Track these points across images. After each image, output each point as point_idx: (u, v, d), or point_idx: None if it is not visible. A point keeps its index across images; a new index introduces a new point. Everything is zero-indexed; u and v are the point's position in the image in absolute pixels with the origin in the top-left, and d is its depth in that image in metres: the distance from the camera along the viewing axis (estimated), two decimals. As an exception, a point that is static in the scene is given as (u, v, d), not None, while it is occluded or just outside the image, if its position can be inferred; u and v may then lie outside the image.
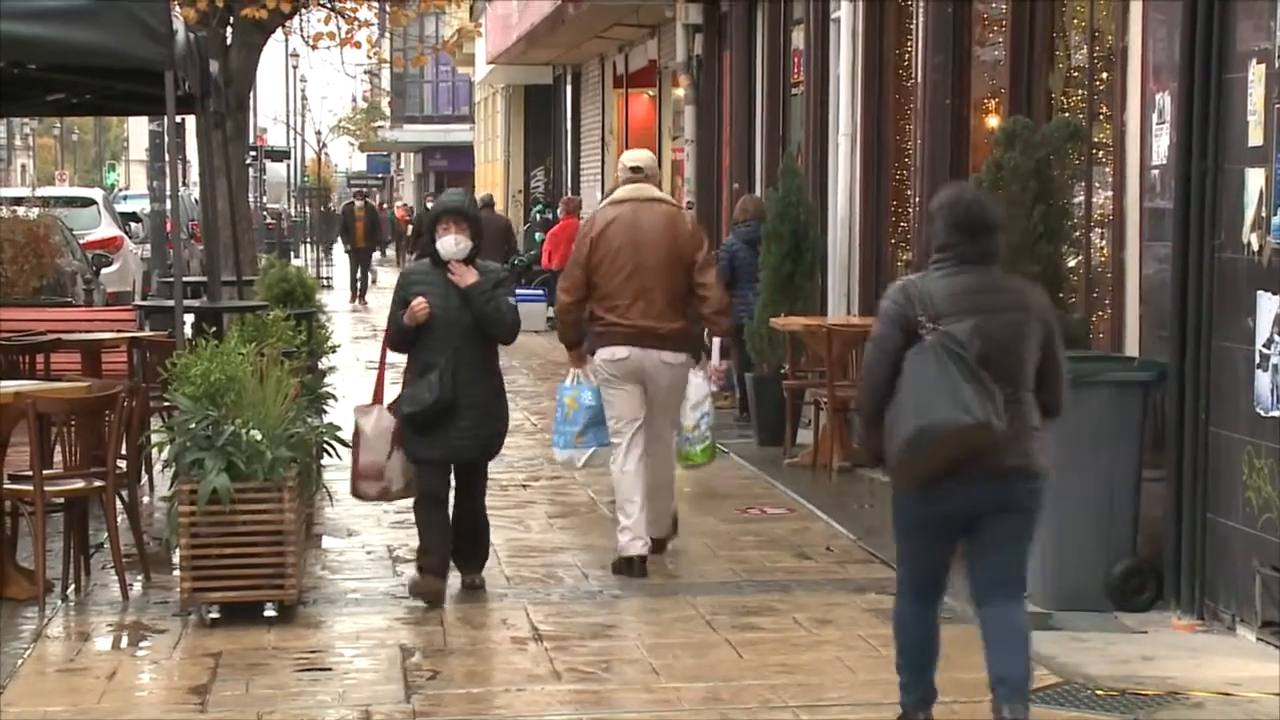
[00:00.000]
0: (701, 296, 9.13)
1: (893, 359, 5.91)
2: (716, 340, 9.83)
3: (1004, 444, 5.87)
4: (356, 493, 8.83)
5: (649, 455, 9.18)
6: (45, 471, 8.45)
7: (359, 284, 34.49)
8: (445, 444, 8.49)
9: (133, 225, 27.75)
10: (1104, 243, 9.61)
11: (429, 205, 37.30)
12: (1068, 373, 6.14)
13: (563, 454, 9.54)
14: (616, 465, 9.18)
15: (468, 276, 8.47)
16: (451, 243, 8.50)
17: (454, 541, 8.69)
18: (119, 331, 13.38)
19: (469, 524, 8.78)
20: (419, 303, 8.42)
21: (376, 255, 39.78)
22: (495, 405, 8.63)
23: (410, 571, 9.24)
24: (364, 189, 49.55)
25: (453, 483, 8.74)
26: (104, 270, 22.83)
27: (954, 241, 6.04)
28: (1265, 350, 7.48)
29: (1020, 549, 6.13)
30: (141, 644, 7.93)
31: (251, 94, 19.47)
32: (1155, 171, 8.52)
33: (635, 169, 9.34)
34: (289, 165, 61.07)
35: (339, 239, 41.49)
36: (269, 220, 49.95)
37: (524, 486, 11.87)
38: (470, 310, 8.45)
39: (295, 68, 59.92)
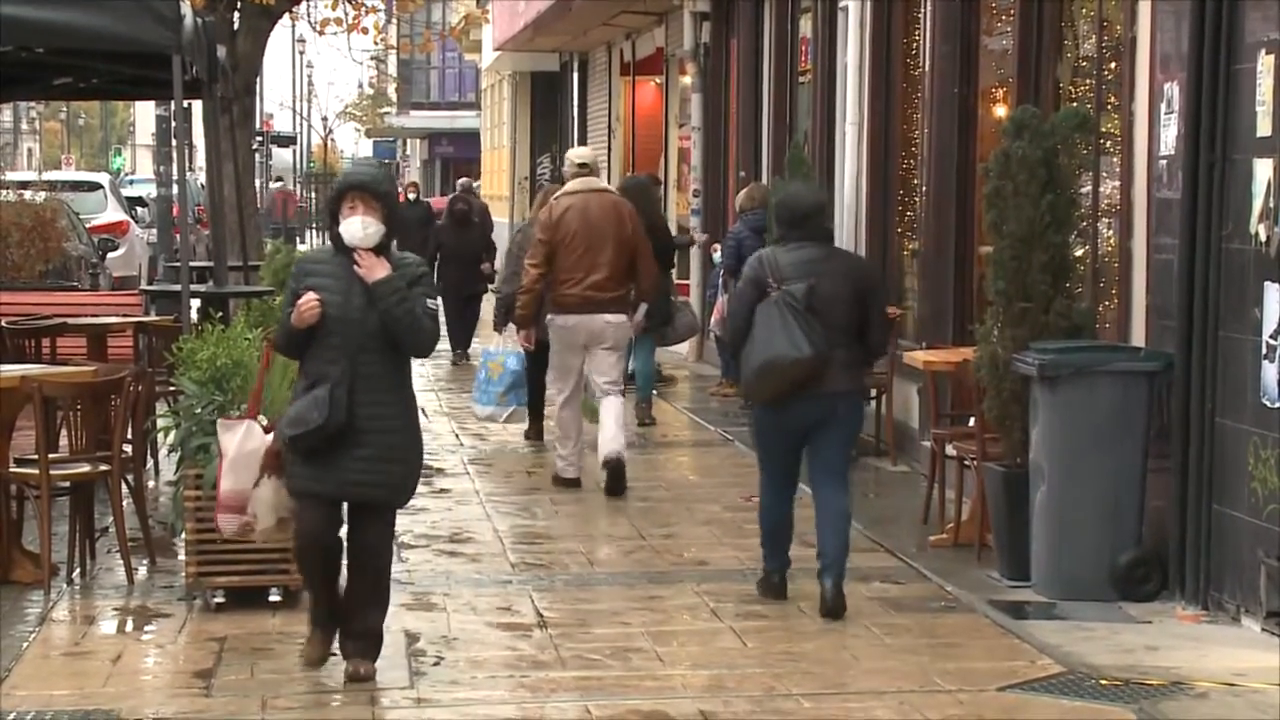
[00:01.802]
0: (639, 273, 11.22)
1: (749, 309, 7.96)
2: (643, 305, 11.48)
3: (829, 373, 7.87)
4: (216, 525, 7.22)
5: (604, 396, 11.10)
6: (51, 455, 8.47)
7: None
8: (336, 478, 6.72)
9: (139, 210, 27.75)
10: (1111, 233, 9.60)
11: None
12: (887, 321, 8.61)
13: (484, 410, 11.79)
14: (556, 409, 11.25)
15: (377, 270, 6.71)
16: (358, 225, 6.71)
17: (339, 604, 6.96)
18: (125, 316, 13.38)
19: (357, 584, 6.92)
20: (309, 300, 6.66)
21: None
22: (404, 435, 6.81)
23: (414, 556, 9.27)
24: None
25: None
26: (110, 255, 22.83)
27: (787, 228, 8.14)
28: (1272, 341, 7.47)
29: (844, 449, 8.26)
30: (146, 628, 7.93)
31: (258, 79, 19.45)
32: (1163, 162, 8.50)
33: (583, 165, 11.41)
34: (295, 151, 61.08)
35: None
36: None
37: (529, 473, 11.87)
38: (377, 312, 6.71)
39: (302, 53, 59.92)
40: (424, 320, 6.76)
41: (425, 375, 17.72)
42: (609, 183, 15.56)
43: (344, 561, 6.94)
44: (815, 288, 7.84)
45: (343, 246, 6.77)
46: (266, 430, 6.96)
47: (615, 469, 10.87)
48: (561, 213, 11.05)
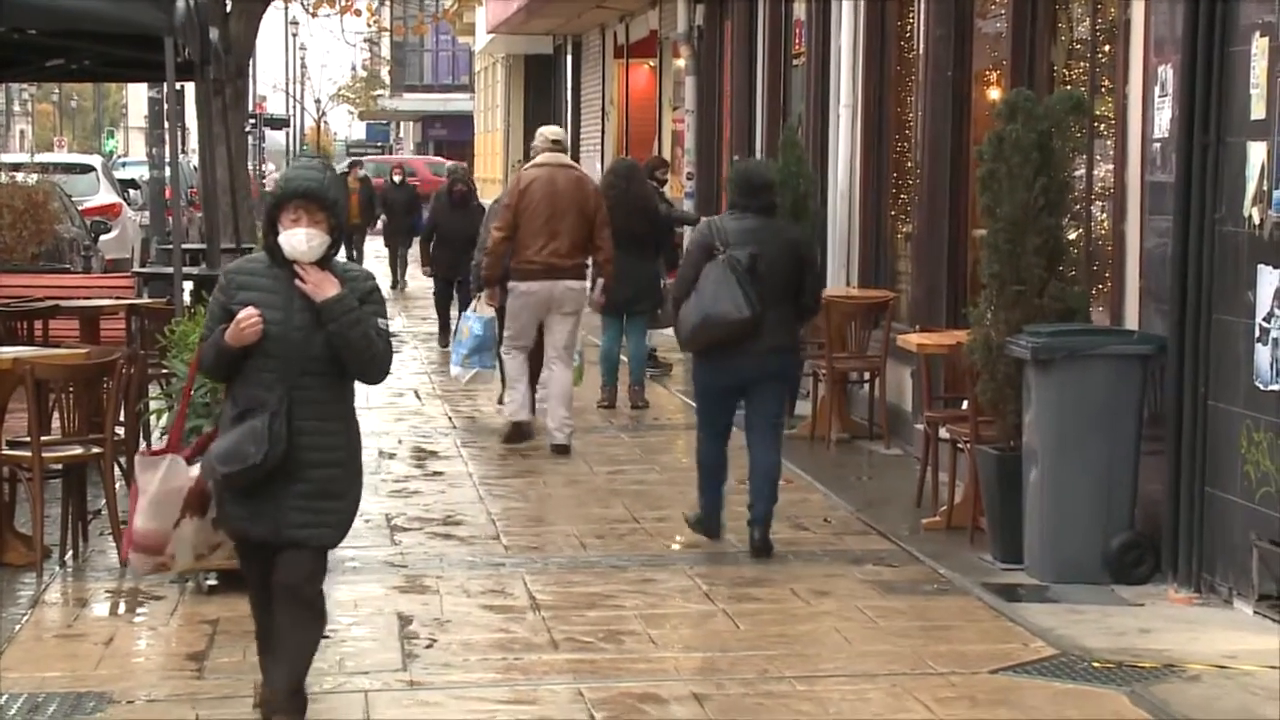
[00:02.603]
0: (596, 246, 11.85)
1: (697, 269, 8.75)
2: (600, 280, 12.19)
3: (766, 331, 8.67)
4: (124, 561, 6.68)
5: (553, 367, 11.75)
6: (43, 438, 8.45)
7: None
8: (272, 517, 5.97)
9: (131, 192, 27.71)
10: (1105, 216, 9.60)
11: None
12: (820, 284, 9.72)
13: (453, 370, 12.64)
14: (508, 358, 11.97)
15: (325, 286, 5.91)
16: (302, 239, 5.90)
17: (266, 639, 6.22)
18: (117, 298, 13.37)
19: (285, 627, 6.08)
20: (249, 315, 5.87)
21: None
22: (347, 468, 6.07)
23: (407, 539, 9.27)
24: (359, 158, 46.58)
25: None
26: (103, 237, 22.81)
27: (740, 198, 8.94)
28: (1265, 324, 7.48)
29: (778, 402, 9.13)
30: (139, 610, 7.93)
31: (251, 61, 19.44)
32: (1157, 145, 8.50)
33: (555, 141, 12.13)
34: (288, 133, 61.01)
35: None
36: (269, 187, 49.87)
37: (522, 456, 11.87)
38: (323, 333, 5.93)
39: (295, 35, 59.84)
40: (379, 343, 6.01)
41: (418, 358, 17.71)
42: (600, 164, 15.98)
43: None
44: (758, 254, 8.68)
45: (281, 257, 5.96)
46: (189, 460, 6.17)
47: (563, 452, 11.65)
48: (528, 183, 11.75)
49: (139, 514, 6.19)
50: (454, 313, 17.77)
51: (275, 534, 6.00)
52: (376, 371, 6.08)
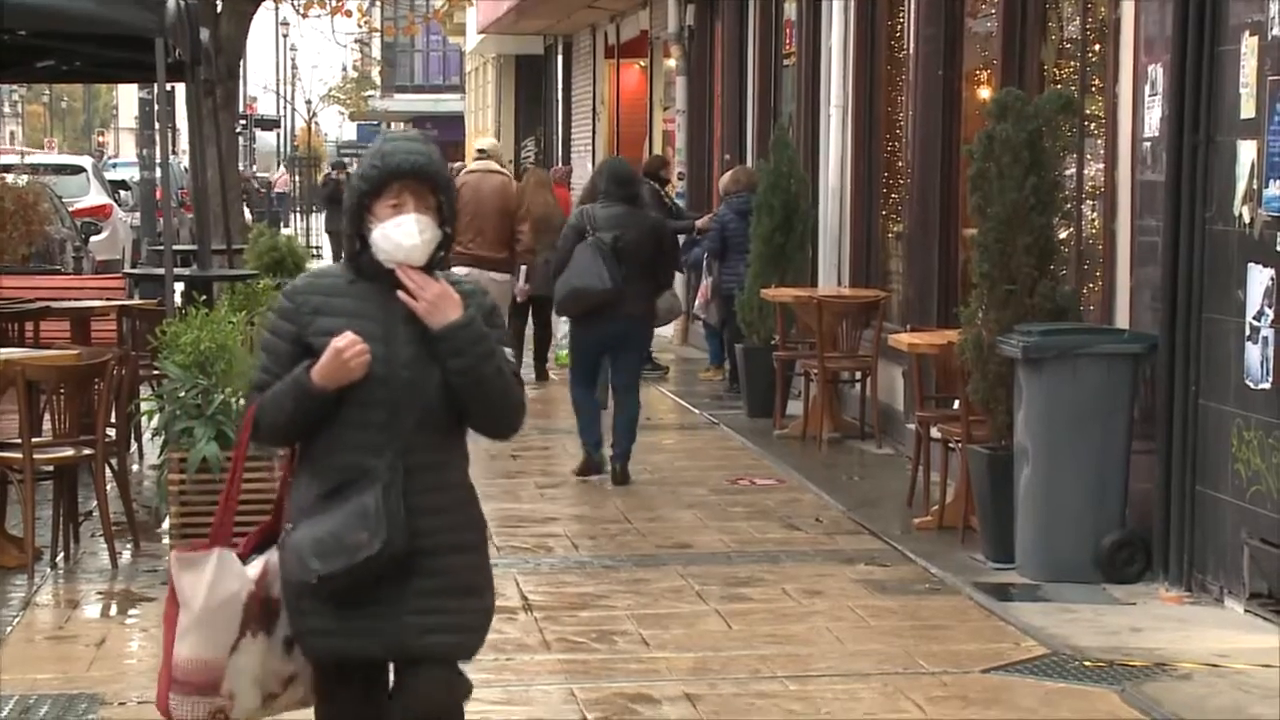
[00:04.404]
0: (516, 238, 14.56)
1: (570, 248, 10.56)
2: (524, 268, 14.69)
3: (626, 301, 10.47)
4: (165, 710, 4.64)
5: None
6: (34, 439, 8.44)
7: None
8: (388, 629, 4.39)
9: (122, 193, 27.69)
10: (1095, 214, 9.61)
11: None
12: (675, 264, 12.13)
13: None
14: None
15: (445, 305, 4.34)
16: (414, 228, 4.34)
17: None
18: (108, 299, 13.35)
19: None
20: (352, 341, 4.28)
21: None
22: (479, 552, 4.54)
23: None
24: (343, 159, 45.27)
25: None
26: (93, 238, 22.78)
27: (609, 188, 10.81)
28: (1255, 323, 7.48)
29: (638, 361, 11.26)
30: (130, 612, 7.93)
31: (242, 62, 19.39)
32: (1147, 144, 8.51)
33: (481, 151, 14.97)
34: (279, 134, 60.96)
35: (326, 219, 34.74)
36: (259, 188, 49.73)
37: (513, 456, 11.87)
38: (445, 371, 4.37)
39: (285, 36, 59.80)
40: (515, 386, 4.46)
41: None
42: (591, 165, 17.56)
43: None
44: (620, 237, 10.51)
45: (370, 268, 4.38)
46: (244, 556, 4.48)
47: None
48: (459, 186, 13.33)
49: (181, 638, 4.46)
50: None
51: (392, 649, 4.40)
52: (512, 421, 4.49)
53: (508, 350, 4.49)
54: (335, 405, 4.32)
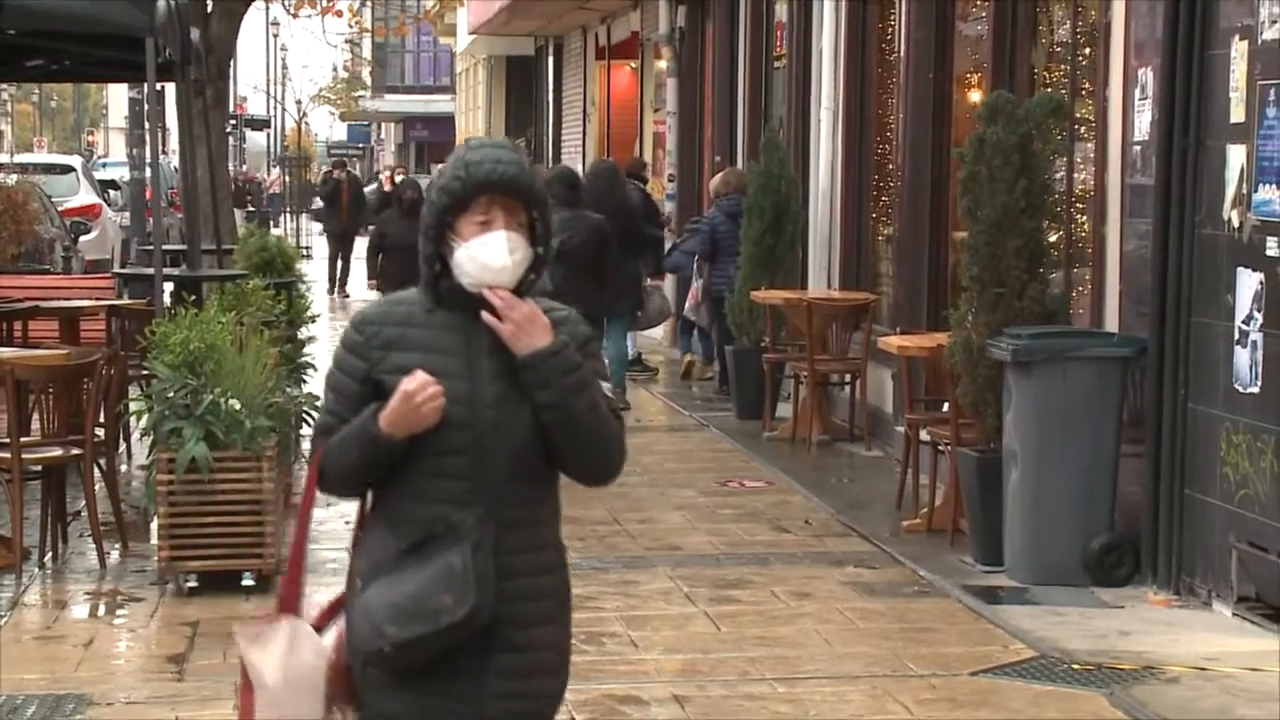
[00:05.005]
0: None
1: None
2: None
3: (567, 300, 10.97)
4: None
5: None
6: (23, 439, 8.43)
7: (342, 273, 27.96)
8: (463, 711, 3.80)
9: (112, 193, 27.66)
10: (1085, 218, 9.62)
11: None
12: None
13: None
14: None
15: (534, 329, 3.76)
16: (503, 246, 3.77)
17: None
18: (97, 299, 13.35)
19: None
20: (424, 383, 3.70)
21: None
22: (561, 630, 3.94)
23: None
24: (343, 157, 44.43)
25: None
26: (83, 238, 22.77)
27: (558, 192, 11.45)
28: (1244, 327, 7.50)
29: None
30: (119, 612, 7.91)
31: (232, 62, 19.39)
32: (1137, 147, 8.52)
33: None
34: (269, 134, 60.90)
35: (322, 220, 32.30)
36: (261, 190, 49.71)
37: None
38: (531, 406, 3.77)
39: (276, 36, 59.77)
40: (613, 424, 3.89)
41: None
42: (582, 166, 16.68)
43: None
44: (566, 240, 10.97)
45: (451, 295, 3.80)
46: (319, 626, 3.90)
47: None
48: None
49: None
50: None
51: None
52: (611, 466, 3.93)
53: (605, 385, 3.89)
54: (411, 451, 3.73)
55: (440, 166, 3.88)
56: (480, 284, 3.75)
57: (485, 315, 3.74)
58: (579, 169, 17.48)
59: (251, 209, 43.25)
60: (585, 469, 3.90)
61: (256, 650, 3.82)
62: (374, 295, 18.38)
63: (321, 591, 4.05)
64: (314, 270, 28.55)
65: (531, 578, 3.80)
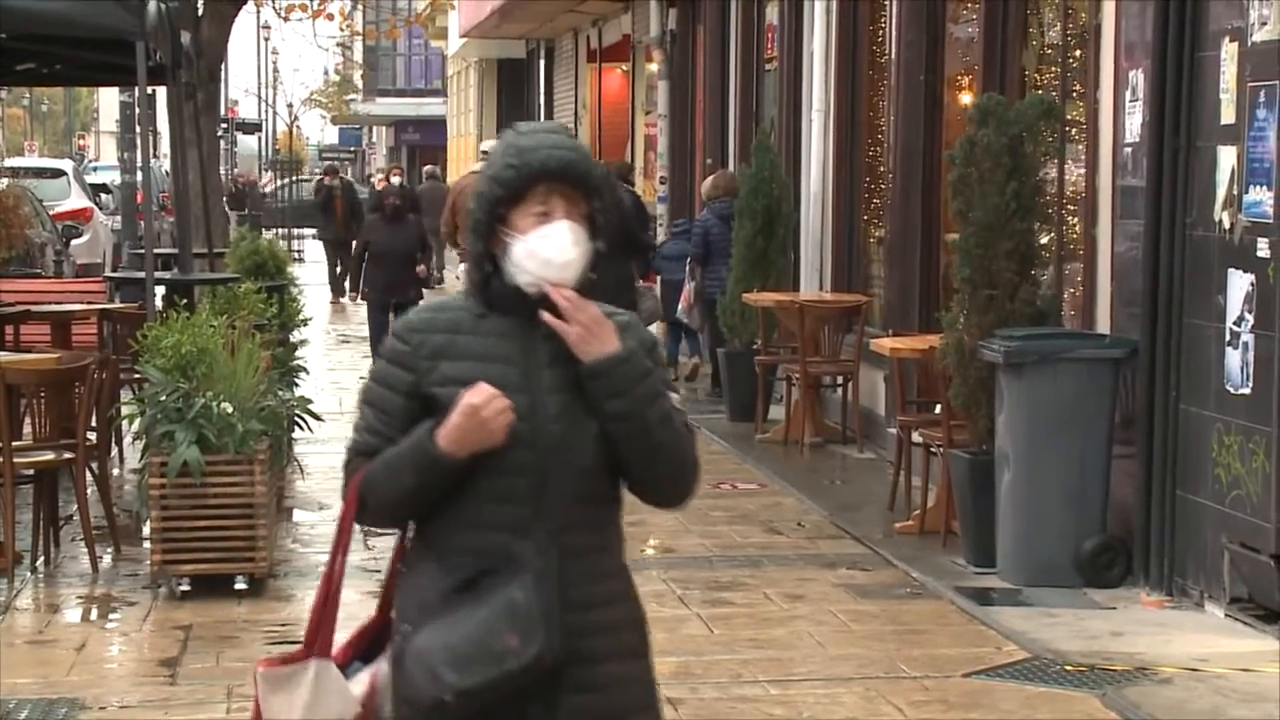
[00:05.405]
0: None
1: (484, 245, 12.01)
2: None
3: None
4: None
5: None
6: (14, 443, 8.42)
7: (342, 278, 26.73)
8: None
9: (103, 196, 27.63)
10: (1076, 220, 9.62)
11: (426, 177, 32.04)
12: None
13: None
14: None
15: (602, 333, 3.39)
16: (567, 238, 3.39)
17: None
18: (89, 303, 13.34)
19: None
20: (489, 396, 3.32)
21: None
22: (644, 664, 3.59)
23: (382, 544, 9.24)
24: (335, 163, 43.76)
25: None
26: (74, 241, 22.75)
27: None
28: (1236, 328, 7.50)
29: None
30: (111, 616, 7.91)
31: (223, 66, 19.36)
32: (1128, 149, 8.53)
33: (485, 152, 14.92)
34: (260, 138, 60.85)
35: (317, 228, 31.40)
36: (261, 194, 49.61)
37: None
38: (605, 422, 3.41)
39: (267, 40, 59.71)
40: (688, 438, 3.53)
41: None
42: None
43: None
44: None
45: (505, 298, 3.43)
46: (343, 664, 3.52)
47: None
48: (463, 188, 15.20)
49: None
50: None
51: None
52: (687, 484, 3.58)
53: (674, 395, 3.52)
54: (466, 474, 3.34)
55: (486, 157, 3.48)
56: (541, 280, 3.36)
57: (546, 316, 3.35)
58: None
59: (250, 212, 43.07)
60: (659, 488, 3.53)
61: (278, 695, 3.48)
62: (363, 304, 17.95)
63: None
64: (305, 274, 28.36)
65: (601, 609, 3.44)
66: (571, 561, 3.38)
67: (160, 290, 10.92)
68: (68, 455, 8.59)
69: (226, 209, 25.16)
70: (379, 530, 3.51)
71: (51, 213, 22.12)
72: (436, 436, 3.31)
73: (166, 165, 26.20)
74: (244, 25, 34.40)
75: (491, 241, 3.40)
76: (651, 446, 3.41)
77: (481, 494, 3.35)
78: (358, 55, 64.92)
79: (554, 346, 3.38)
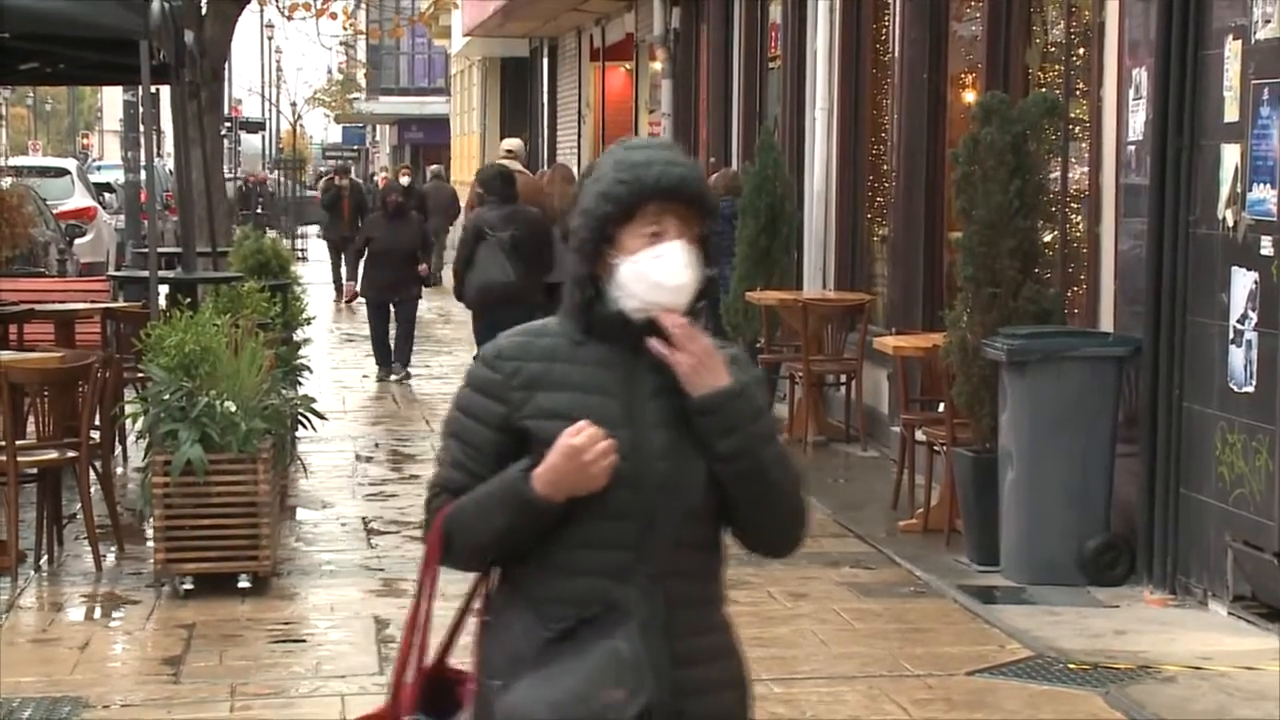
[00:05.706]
0: None
1: (472, 249, 12.13)
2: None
3: (526, 290, 11.76)
4: None
5: None
6: (18, 442, 8.42)
7: (348, 279, 26.28)
8: None
9: (106, 196, 27.63)
10: (1080, 218, 9.62)
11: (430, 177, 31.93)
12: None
13: None
14: None
15: (712, 364, 3.16)
16: (680, 262, 3.16)
17: None
18: (93, 302, 13.34)
19: None
20: (591, 437, 3.06)
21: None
22: (742, 705, 3.33)
23: (383, 542, 9.24)
24: (342, 162, 42.62)
25: None
26: (77, 241, 22.75)
27: (503, 190, 12.40)
28: (1239, 326, 7.50)
29: None
30: (114, 615, 7.91)
31: (226, 65, 19.37)
32: (1131, 147, 8.52)
33: (509, 151, 15.98)
34: (264, 137, 60.84)
35: (323, 227, 30.84)
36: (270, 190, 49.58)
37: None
38: (713, 461, 3.16)
39: (270, 39, 59.73)
40: (800, 482, 3.28)
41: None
42: (577, 168, 17.57)
43: None
44: (515, 234, 12.03)
45: (606, 324, 3.17)
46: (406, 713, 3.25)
47: None
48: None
49: None
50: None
51: None
52: (797, 532, 3.30)
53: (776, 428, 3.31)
54: (563, 518, 3.10)
55: (595, 169, 3.25)
56: (651, 304, 3.11)
57: (653, 344, 3.09)
58: (575, 170, 17.65)
59: (261, 212, 42.84)
60: (769, 534, 3.27)
61: None
62: (361, 303, 17.70)
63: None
64: (309, 273, 28.30)
65: (704, 666, 3.17)
66: (677, 612, 3.13)
67: (164, 289, 10.93)
68: (71, 454, 8.59)
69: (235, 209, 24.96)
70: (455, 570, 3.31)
71: (55, 212, 22.12)
72: (532, 478, 3.07)
73: (170, 164, 26.19)
74: (247, 24, 34.40)
75: (596, 263, 3.15)
76: (766, 488, 3.16)
77: (578, 538, 3.11)
78: (361, 54, 64.94)
79: (659, 378, 3.13)
